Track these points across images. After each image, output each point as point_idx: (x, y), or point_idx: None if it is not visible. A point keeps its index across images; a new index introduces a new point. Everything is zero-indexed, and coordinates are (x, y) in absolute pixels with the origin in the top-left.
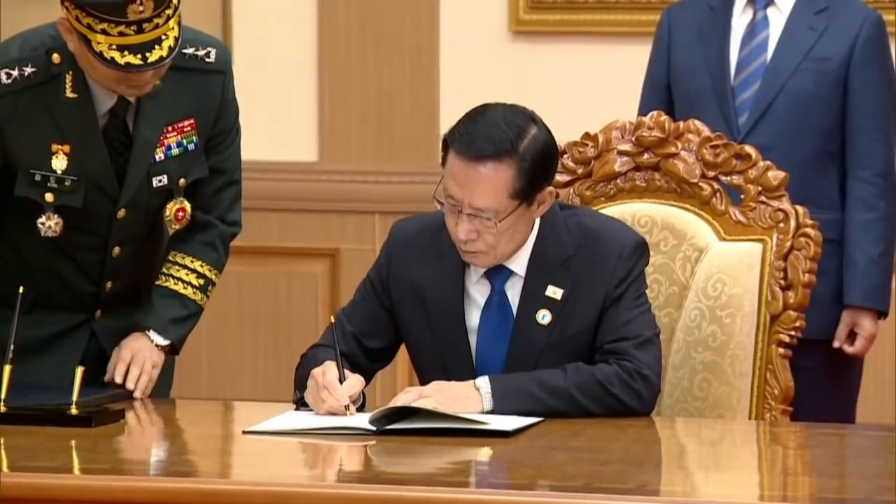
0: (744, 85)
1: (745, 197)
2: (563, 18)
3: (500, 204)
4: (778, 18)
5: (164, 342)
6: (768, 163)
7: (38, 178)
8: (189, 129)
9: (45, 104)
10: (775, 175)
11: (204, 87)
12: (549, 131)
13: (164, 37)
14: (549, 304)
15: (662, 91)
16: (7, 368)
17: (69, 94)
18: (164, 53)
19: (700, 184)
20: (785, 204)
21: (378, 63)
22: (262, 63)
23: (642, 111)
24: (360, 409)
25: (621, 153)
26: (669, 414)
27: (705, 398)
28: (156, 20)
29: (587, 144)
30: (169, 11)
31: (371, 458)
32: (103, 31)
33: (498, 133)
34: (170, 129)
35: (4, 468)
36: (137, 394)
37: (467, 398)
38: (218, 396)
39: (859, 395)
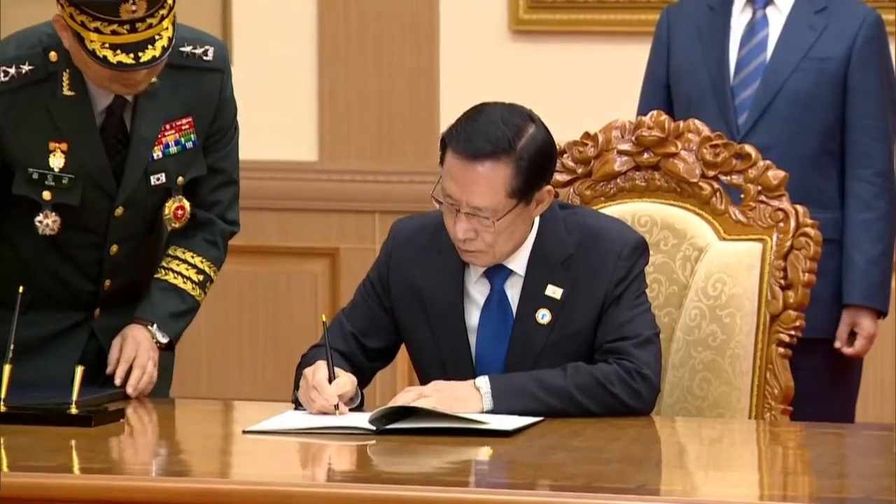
0: (743, 84)
1: (745, 196)
2: (563, 18)
3: (498, 203)
4: (777, 18)
5: (165, 340)
6: (768, 162)
7: (35, 176)
8: (187, 127)
9: (43, 102)
10: (775, 174)
11: (202, 86)
12: (547, 130)
13: (157, 37)
14: (549, 303)
15: (662, 91)
16: (7, 368)
17: (66, 91)
18: (157, 54)
19: (700, 183)
20: (785, 203)
21: (378, 63)
22: (262, 63)
23: (642, 111)
24: (359, 408)
25: (621, 153)
26: (669, 413)
27: (705, 398)
28: (149, 20)
29: (587, 144)
30: (163, 12)
31: (371, 458)
32: (96, 30)
33: (495, 132)
34: (168, 127)
35: (4, 468)
36: (134, 395)
37: (467, 398)
38: (218, 396)
39: (859, 395)
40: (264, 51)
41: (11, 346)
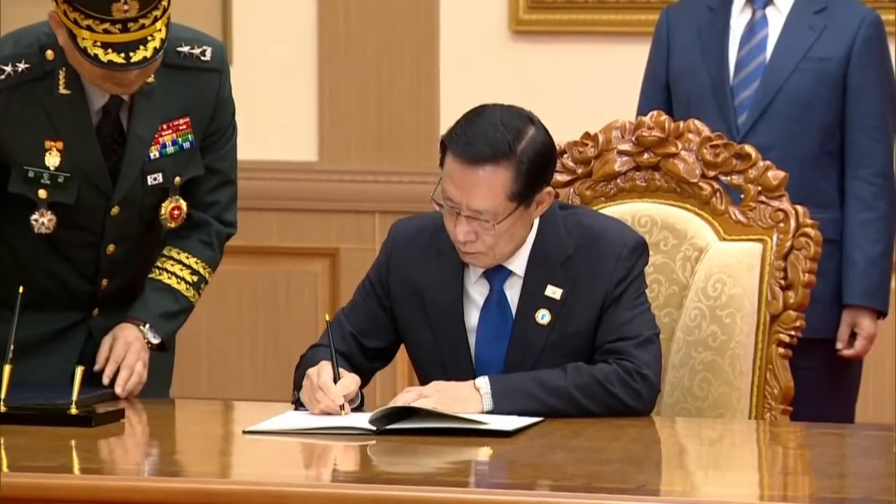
0: (743, 84)
1: (745, 197)
2: (563, 18)
3: (499, 206)
4: (777, 18)
5: (156, 340)
6: (768, 163)
7: (31, 174)
8: (184, 127)
9: (39, 100)
10: (775, 175)
11: (199, 86)
12: (546, 132)
13: (149, 38)
14: (549, 303)
15: (662, 91)
16: (7, 368)
17: (62, 90)
18: (149, 54)
19: (700, 183)
20: (785, 204)
21: (378, 63)
22: (263, 63)
23: (642, 111)
24: (359, 408)
25: (621, 153)
26: (669, 414)
27: (705, 398)
28: (142, 20)
29: (587, 144)
30: (156, 13)
31: (371, 458)
32: (88, 28)
33: (495, 136)
34: (165, 127)
35: (4, 468)
36: (123, 395)
37: (467, 398)
38: (218, 396)
39: (859, 395)
40: (264, 51)
41: (12, 347)
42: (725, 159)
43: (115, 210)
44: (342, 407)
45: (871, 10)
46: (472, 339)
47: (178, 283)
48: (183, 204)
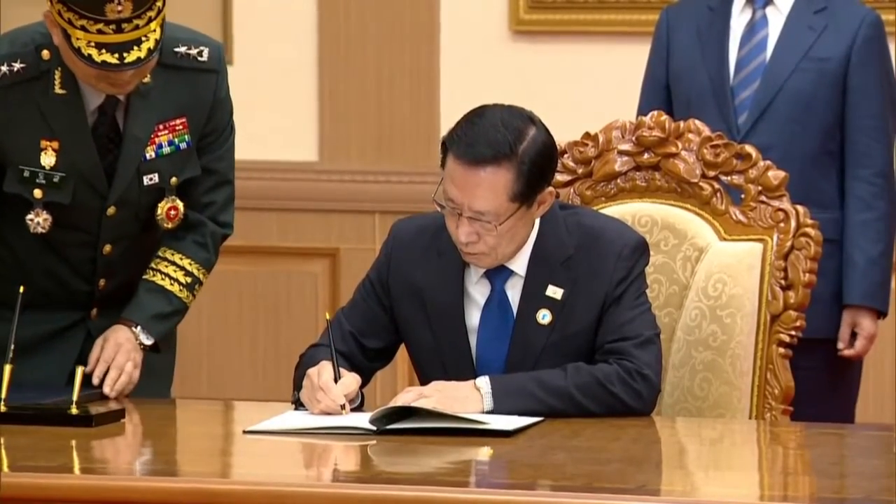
0: (743, 84)
1: (746, 197)
2: (563, 18)
3: (500, 207)
4: (777, 18)
5: (149, 341)
6: (768, 162)
7: (26, 174)
8: (181, 127)
9: (34, 100)
10: (776, 175)
11: (196, 86)
12: (547, 131)
13: (144, 38)
14: (550, 303)
15: (662, 91)
16: (7, 368)
17: (58, 90)
18: (143, 55)
19: (700, 183)
20: (785, 204)
21: (378, 63)
22: (263, 63)
23: (642, 111)
24: (359, 408)
25: (622, 153)
26: (670, 413)
27: (705, 398)
28: (136, 21)
29: (587, 144)
30: (151, 13)
31: (371, 458)
32: (82, 28)
33: (496, 136)
34: (161, 127)
35: (4, 468)
36: (112, 394)
37: (467, 398)
38: (218, 396)
39: (859, 395)
40: (264, 51)
41: (12, 347)
42: (726, 159)
43: (111, 210)
44: (343, 407)
45: (872, 10)
46: (472, 339)
47: (171, 284)
48: (179, 204)
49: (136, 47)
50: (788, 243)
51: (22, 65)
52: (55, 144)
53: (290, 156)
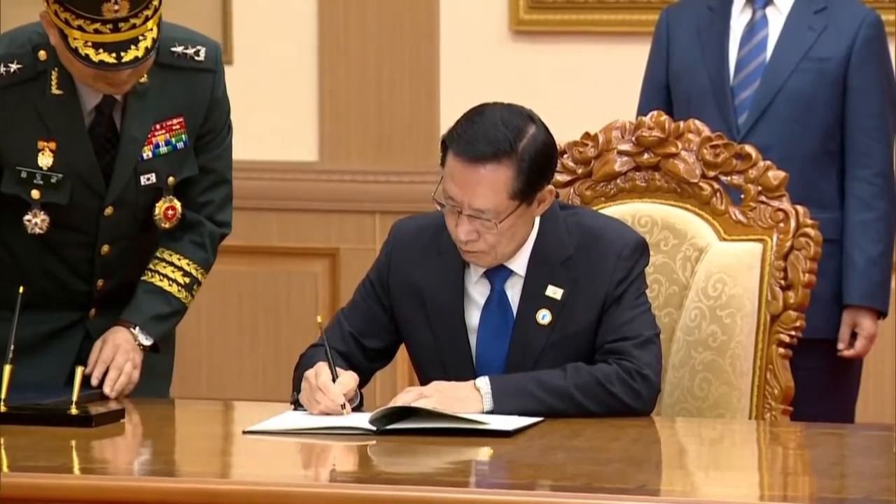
0: (743, 84)
1: (746, 197)
2: (563, 18)
3: (500, 205)
4: (777, 18)
5: (148, 342)
6: (768, 163)
7: (24, 174)
8: (178, 127)
9: (31, 101)
10: (775, 175)
11: (193, 86)
12: (547, 130)
13: (141, 38)
14: (549, 303)
15: (662, 91)
16: (7, 368)
17: (55, 90)
18: (140, 54)
19: (700, 184)
20: (785, 204)
21: (378, 63)
22: (263, 63)
23: (642, 111)
24: (358, 407)
25: (621, 153)
26: (669, 414)
27: (705, 398)
28: (132, 20)
29: (587, 144)
30: (147, 13)
31: (371, 458)
32: (79, 28)
33: (496, 134)
34: (158, 127)
35: (4, 468)
36: (112, 394)
37: (467, 398)
38: (218, 396)
39: (859, 395)
40: (264, 51)
41: (12, 347)
42: (725, 159)
43: (108, 210)
44: (343, 406)
45: (872, 10)
46: (472, 339)
47: (169, 285)
48: (177, 204)
49: (133, 46)
50: (788, 243)
51: (18, 65)
52: (52, 145)
53: (290, 156)
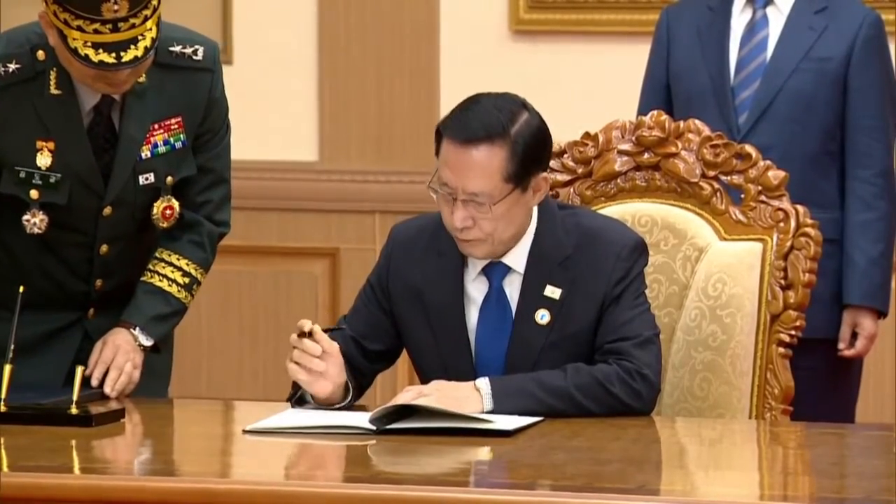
0: (743, 84)
1: (746, 196)
2: (563, 18)
3: (494, 188)
4: (777, 18)
5: (149, 343)
6: (769, 162)
7: (22, 174)
8: (176, 127)
9: (30, 101)
10: (776, 175)
11: (191, 85)
12: (540, 118)
13: (140, 37)
14: (548, 303)
15: (662, 91)
16: (7, 368)
17: (53, 90)
18: (140, 54)
19: (700, 183)
20: (785, 203)
21: (378, 63)
22: (263, 63)
23: (642, 111)
24: (350, 405)
25: (621, 153)
26: (669, 413)
27: (705, 398)
28: (132, 20)
29: (587, 144)
30: (147, 12)
31: (371, 458)
32: (79, 28)
33: (489, 118)
34: (156, 126)
35: (4, 468)
36: (113, 394)
37: (467, 398)
38: (218, 396)
39: (859, 395)
40: (264, 51)
41: (12, 347)
42: (726, 159)
43: (107, 210)
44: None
45: (872, 10)
46: (472, 338)
47: (169, 285)
48: (175, 203)
49: (132, 46)
50: (788, 243)
51: (17, 66)
52: (51, 145)
53: (290, 156)
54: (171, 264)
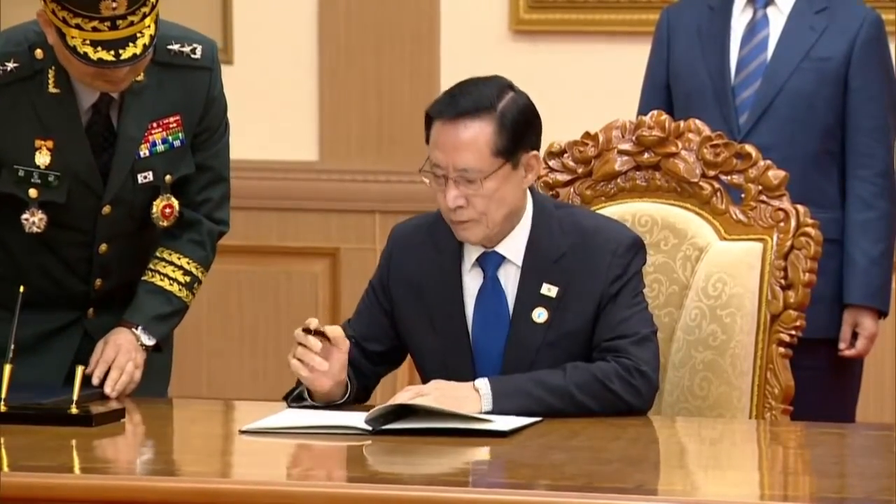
0: (744, 84)
1: (746, 196)
2: (563, 18)
3: (484, 162)
4: (778, 18)
5: (151, 342)
6: (769, 162)
7: (21, 173)
8: (175, 125)
9: (28, 99)
10: (776, 174)
11: (189, 84)
12: (528, 98)
13: (139, 35)
14: (545, 301)
15: (662, 91)
16: (7, 368)
17: (52, 89)
18: (138, 51)
19: (700, 183)
20: (785, 203)
21: (378, 63)
22: (263, 63)
23: (642, 111)
24: (346, 403)
25: (622, 152)
26: (669, 413)
27: (705, 397)
28: (130, 18)
29: (587, 144)
30: (145, 10)
31: (368, 458)
32: (77, 26)
33: (476, 94)
34: (154, 125)
35: (4, 468)
36: (113, 394)
37: (466, 398)
38: (218, 396)
39: (859, 395)
40: (264, 51)
41: (12, 346)
42: (726, 159)
43: (106, 209)
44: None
45: (872, 10)
46: (470, 330)
47: (170, 284)
48: (174, 202)
49: (131, 44)
50: (788, 243)
51: (15, 64)
52: (49, 144)
53: (290, 156)
54: (171, 263)
